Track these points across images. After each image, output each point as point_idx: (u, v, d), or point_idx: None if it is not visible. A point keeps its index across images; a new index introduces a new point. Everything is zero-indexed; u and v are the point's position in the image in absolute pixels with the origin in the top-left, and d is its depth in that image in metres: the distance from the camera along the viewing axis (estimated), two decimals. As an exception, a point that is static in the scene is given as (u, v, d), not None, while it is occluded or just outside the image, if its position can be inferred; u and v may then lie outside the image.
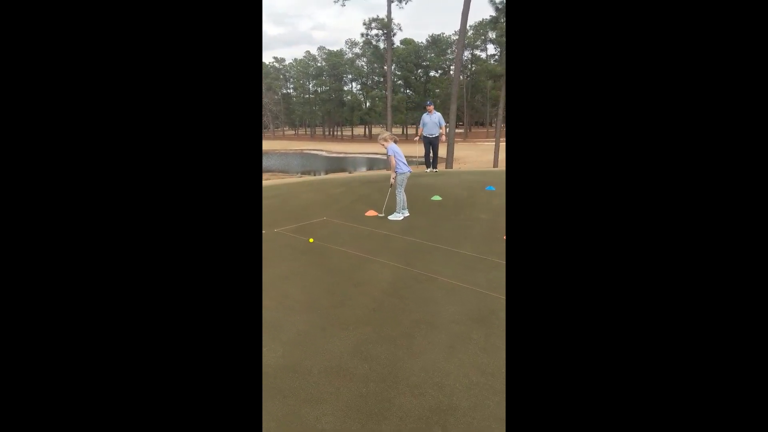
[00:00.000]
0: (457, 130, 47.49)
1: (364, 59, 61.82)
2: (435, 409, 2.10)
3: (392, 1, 26.33)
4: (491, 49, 54.12)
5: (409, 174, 5.77)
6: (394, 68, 53.07)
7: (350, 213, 6.13)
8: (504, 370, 2.37)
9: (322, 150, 52.89)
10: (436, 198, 6.99)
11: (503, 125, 29.37)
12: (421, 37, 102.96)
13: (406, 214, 5.88)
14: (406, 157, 5.86)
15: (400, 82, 57.40)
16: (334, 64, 62.87)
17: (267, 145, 53.75)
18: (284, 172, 32.18)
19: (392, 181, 5.73)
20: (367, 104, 62.50)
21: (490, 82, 43.38)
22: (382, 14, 26.85)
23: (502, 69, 27.69)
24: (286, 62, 71.25)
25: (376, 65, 59.07)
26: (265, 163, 36.40)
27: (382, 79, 59.07)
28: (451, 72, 58.80)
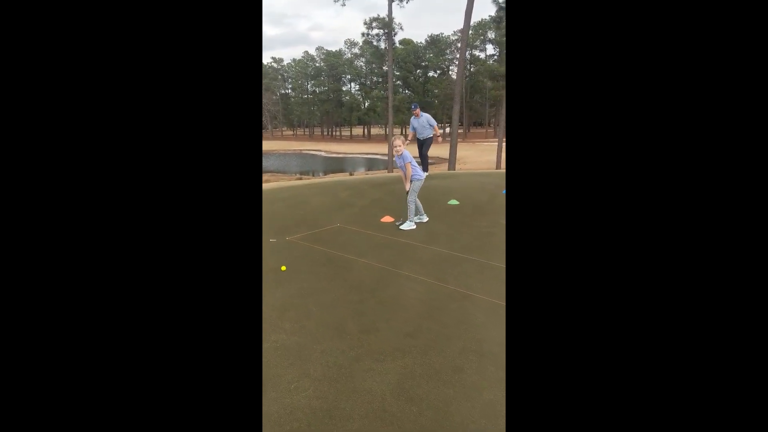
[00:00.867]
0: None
1: (363, 59, 61.49)
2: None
3: (393, 1, 25.95)
4: (490, 49, 53.88)
5: (423, 179, 5.39)
6: (393, 68, 52.79)
7: (364, 219, 5.77)
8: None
9: (320, 150, 52.50)
10: (454, 202, 6.63)
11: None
12: (419, 38, 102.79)
13: (424, 219, 5.52)
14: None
15: (398, 82, 57.05)
16: (333, 64, 62.48)
17: (266, 145, 53.29)
18: (282, 172, 31.75)
19: (406, 187, 5.32)
20: (366, 104, 62.15)
21: (489, 83, 43.11)
22: (382, 14, 26.48)
23: (503, 69, 27.38)
24: (285, 62, 70.84)
25: (374, 65, 58.72)
26: (264, 163, 35.98)
27: (380, 80, 58.76)
28: (450, 72, 58.64)
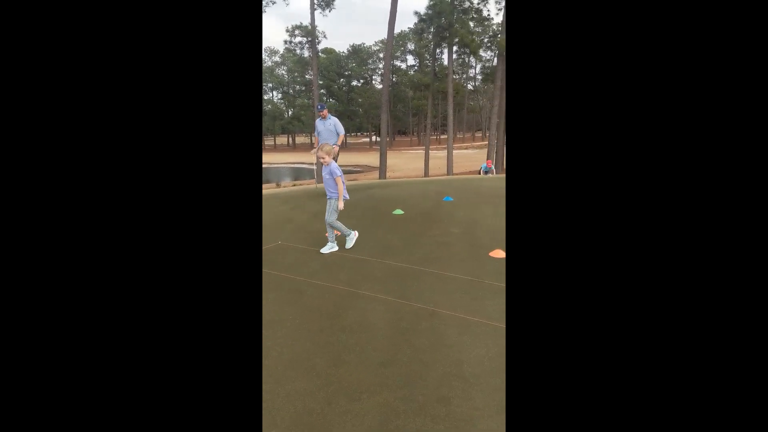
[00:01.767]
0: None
1: (285, 68, 60.22)
2: None
3: (315, 9, 25.63)
4: (411, 59, 55.48)
5: (340, 200, 4.61)
6: (318, 77, 52.35)
7: (308, 235, 5.40)
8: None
9: (243, 161, 50.07)
10: (398, 212, 6.49)
11: (432, 135, 29.88)
12: (341, 47, 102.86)
13: (352, 237, 4.87)
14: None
15: (323, 90, 56.60)
16: (252, 72, 60.25)
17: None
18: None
19: (340, 207, 4.61)
20: (290, 113, 60.82)
21: (411, 92, 44.26)
22: (305, 21, 26.07)
23: (427, 79, 28.20)
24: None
25: (297, 74, 57.75)
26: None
27: (303, 88, 57.93)
28: (374, 82, 59.50)
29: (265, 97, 63.64)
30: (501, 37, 21.32)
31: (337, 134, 7.31)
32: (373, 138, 66.97)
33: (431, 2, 22.87)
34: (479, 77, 56.81)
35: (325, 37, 33.85)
